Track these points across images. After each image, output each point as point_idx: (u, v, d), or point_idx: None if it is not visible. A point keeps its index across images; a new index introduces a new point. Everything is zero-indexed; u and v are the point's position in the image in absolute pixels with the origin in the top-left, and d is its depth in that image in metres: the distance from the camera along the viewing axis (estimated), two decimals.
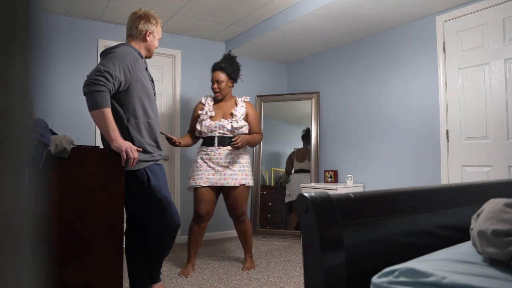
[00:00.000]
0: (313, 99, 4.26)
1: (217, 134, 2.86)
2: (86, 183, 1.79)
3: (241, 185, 2.86)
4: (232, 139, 2.84)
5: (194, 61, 4.09)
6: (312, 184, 3.82)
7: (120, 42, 2.12)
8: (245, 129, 2.91)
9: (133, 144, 1.97)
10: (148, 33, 2.16)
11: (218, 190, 2.94)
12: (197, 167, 2.89)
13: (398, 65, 3.41)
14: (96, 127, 3.51)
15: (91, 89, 1.83)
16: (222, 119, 2.89)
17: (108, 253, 1.83)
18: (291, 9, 3.31)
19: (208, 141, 2.90)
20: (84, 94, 1.87)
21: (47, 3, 3.14)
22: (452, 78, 2.99)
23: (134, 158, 1.88)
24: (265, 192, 4.33)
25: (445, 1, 2.88)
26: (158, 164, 2.10)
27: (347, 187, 3.54)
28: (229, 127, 2.86)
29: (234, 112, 2.91)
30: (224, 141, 2.87)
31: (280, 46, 4.04)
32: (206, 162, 2.87)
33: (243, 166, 2.91)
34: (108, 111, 1.87)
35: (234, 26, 3.78)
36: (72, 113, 3.41)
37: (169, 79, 3.97)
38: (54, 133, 1.77)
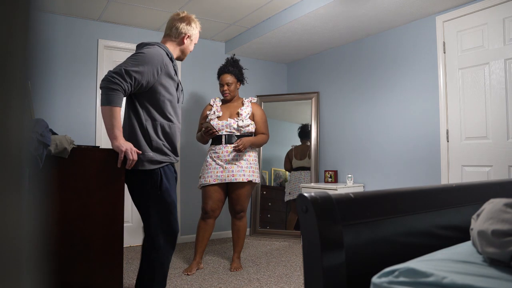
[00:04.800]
0: (313, 99, 4.26)
1: (224, 133, 2.96)
2: (86, 183, 1.79)
3: (248, 181, 2.94)
4: (233, 142, 2.93)
5: (194, 61, 4.09)
6: (312, 184, 3.82)
7: (152, 42, 2.07)
8: (251, 128, 3.01)
9: (151, 144, 1.96)
10: (187, 36, 2.16)
11: (226, 189, 3.01)
12: (206, 165, 2.99)
13: (398, 65, 3.41)
14: (96, 127, 3.52)
15: (107, 85, 1.85)
16: (228, 119, 3.01)
17: (108, 253, 1.83)
18: (291, 9, 3.31)
19: (216, 140, 3.01)
20: (101, 88, 1.89)
21: (47, 3, 3.14)
22: (452, 78, 2.99)
23: (133, 160, 1.87)
24: (265, 192, 4.33)
25: (445, 1, 2.87)
26: (172, 166, 2.08)
27: (347, 187, 3.54)
28: (235, 125, 2.96)
29: (240, 112, 3.02)
30: (231, 139, 2.97)
31: (280, 46, 4.04)
32: (214, 160, 2.96)
33: (250, 163, 2.99)
34: (117, 110, 1.86)
35: (234, 26, 3.78)
36: (72, 113, 3.41)
37: None
38: (54, 133, 1.77)
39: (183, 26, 2.14)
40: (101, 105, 1.88)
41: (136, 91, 1.94)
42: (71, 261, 1.74)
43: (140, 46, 2.05)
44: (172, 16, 2.19)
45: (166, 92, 2.03)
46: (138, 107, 1.98)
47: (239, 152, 2.93)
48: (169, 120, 2.05)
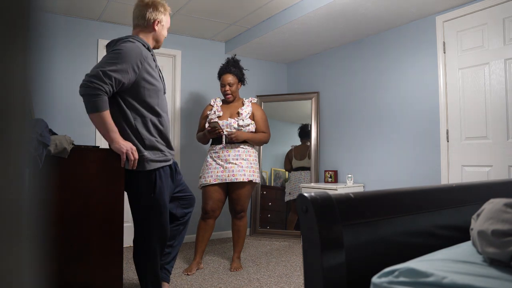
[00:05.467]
0: (313, 99, 4.26)
1: (225, 133, 2.94)
2: (86, 183, 1.79)
3: (249, 181, 2.94)
4: (233, 140, 2.93)
5: (194, 61, 4.09)
6: (312, 184, 3.82)
7: (127, 35, 1.99)
8: (252, 127, 3.01)
9: (144, 142, 1.91)
10: (156, 22, 2.03)
11: (226, 189, 3.01)
12: (207, 165, 2.99)
13: (398, 65, 3.41)
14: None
15: (88, 92, 1.77)
16: (229, 118, 3.00)
17: (108, 253, 1.83)
18: (291, 9, 3.31)
19: (217, 140, 3.00)
20: (81, 95, 1.80)
21: (47, 3, 3.14)
22: (452, 78, 2.99)
23: (134, 160, 1.86)
24: (265, 192, 4.33)
25: (445, 1, 2.87)
26: (168, 166, 2.03)
27: (347, 187, 3.54)
28: (235, 125, 2.96)
29: (240, 111, 3.02)
30: (231, 139, 2.95)
31: (280, 46, 4.04)
32: (215, 160, 2.96)
33: (251, 163, 2.99)
34: (106, 114, 1.80)
35: (234, 26, 3.78)
36: (72, 113, 3.41)
37: (169, 79, 3.97)
38: (54, 133, 1.77)
39: (150, 13, 2.01)
40: (88, 113, 1.80)
41: (118, 89, 1.86)
42: (71, 261, 1.74)
43: (112, 44, 1.94)
44: (136, 4, 2.04)
45: (150, 85, 1.95)
46: (124, 107, 1.91)
47: (232, 143, 2.92)
48: (158, 114, 1.98)
